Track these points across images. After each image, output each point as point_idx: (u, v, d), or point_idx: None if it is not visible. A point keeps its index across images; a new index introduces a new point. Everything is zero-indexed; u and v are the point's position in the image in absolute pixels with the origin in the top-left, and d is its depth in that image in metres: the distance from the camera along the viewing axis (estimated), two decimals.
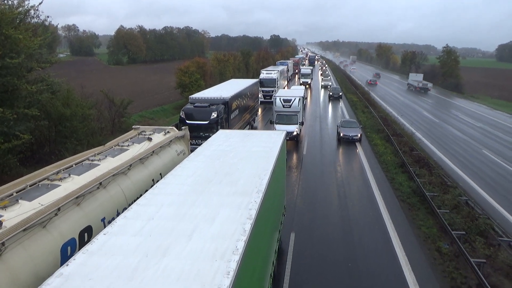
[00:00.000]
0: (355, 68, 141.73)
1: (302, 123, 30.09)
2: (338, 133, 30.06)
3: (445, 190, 19.38)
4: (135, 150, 12.78)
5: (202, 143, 20.86)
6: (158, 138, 14.44)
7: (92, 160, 11.35)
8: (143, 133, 14.76)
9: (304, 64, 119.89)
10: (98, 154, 12.04)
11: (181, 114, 22.89)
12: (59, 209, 7.83)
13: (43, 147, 24.66)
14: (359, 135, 29.42)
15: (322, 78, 79.47)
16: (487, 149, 31.80)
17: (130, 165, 11.05)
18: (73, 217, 8.29)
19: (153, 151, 12.64)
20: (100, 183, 9.46)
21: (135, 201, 8.38)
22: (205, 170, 9.79)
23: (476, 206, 17.74)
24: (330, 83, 70.10)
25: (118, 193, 10.19)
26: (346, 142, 29.88)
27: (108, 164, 11.10)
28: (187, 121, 21.79)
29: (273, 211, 10.63)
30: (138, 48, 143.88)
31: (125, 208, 8.78)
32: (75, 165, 10.90)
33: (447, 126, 41.86)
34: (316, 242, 14.66)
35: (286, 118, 28.56)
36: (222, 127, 21.96)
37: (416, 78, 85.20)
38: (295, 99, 29.30)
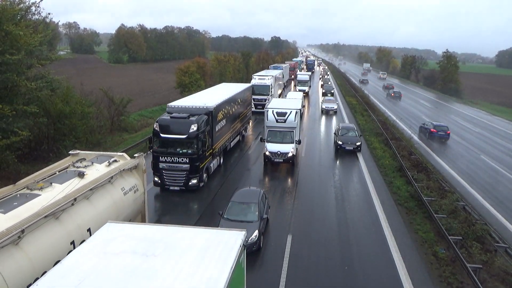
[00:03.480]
0: (336, 59, 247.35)
1: (299, 142, 25.21)
2: None
3: (443, 195, 19.41)
4: (51, 195, 8.63)
5: (178, 161, 18.52)
6: (97, 171, 10.47)
7: None
8: (78, 164, 10.79)
9: (302, 69, 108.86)
10: None
11: (154, 126, 19.24)
12: None
13: (42, 144, 24.63)
14: None
15: (322, 94, 58.16)
16: (485, 154, 31.87)
17: (23, 230, 7.10)
18: None
19: (75, 199, 8.58)
20: None
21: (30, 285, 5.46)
22: None
23: (473, 211, 17.77)
24: (335, 106, 44.61)
25: None
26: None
27: None
28: (162, 135, 18.72)
29: None
30: (138, 47, 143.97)
31: None
32: None
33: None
34: (312, 243, 14.66)
35: (279, 136, 23.98)
36: (204, 143, 19.25)
37: (366, 65, 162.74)
38: (291, 112, 24.66)
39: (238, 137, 28.59)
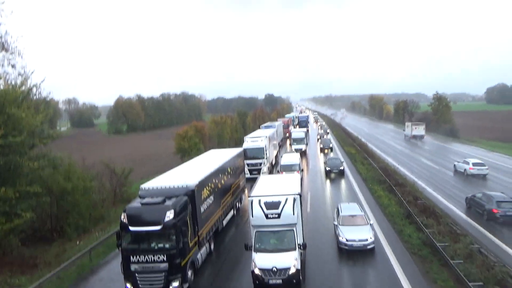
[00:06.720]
0: (322, 107, 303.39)
1: (304, 246, 16.39)
2: None
3: (456, 239, 18.95)
4: None
5: (154, 259, 14.47)
6: None
7: None
8: None
9: (297, 125, 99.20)
10: None
11: (122, 217, 15.43)
12: None
13: (45, 223, 24.37)
14: None
15: (326, 172, 39.00)
16: (488, 190, 31.47)
17: None
18: None
19: None
20: None
21: None
22: None
23: (489, 253, 17.26)
24: (369, 238, 18.69)
25: None
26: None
27: None
28: (131, 228, 15.00)
29: None
30: (137, 115, 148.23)
31: None
32: None
33: (446, 171, 41.84)
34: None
35: (273, 239, 16.10)
36: (185, 232, 15.66)
37: (342, 110, 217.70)
38: (286, 199, 16.44)
39: (232, 212, 24.90)
